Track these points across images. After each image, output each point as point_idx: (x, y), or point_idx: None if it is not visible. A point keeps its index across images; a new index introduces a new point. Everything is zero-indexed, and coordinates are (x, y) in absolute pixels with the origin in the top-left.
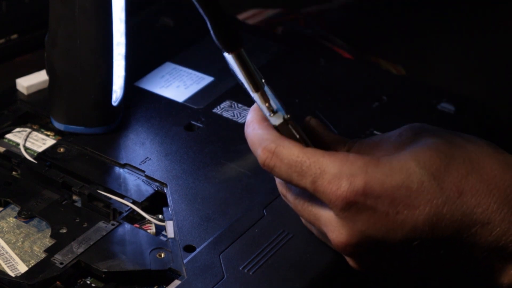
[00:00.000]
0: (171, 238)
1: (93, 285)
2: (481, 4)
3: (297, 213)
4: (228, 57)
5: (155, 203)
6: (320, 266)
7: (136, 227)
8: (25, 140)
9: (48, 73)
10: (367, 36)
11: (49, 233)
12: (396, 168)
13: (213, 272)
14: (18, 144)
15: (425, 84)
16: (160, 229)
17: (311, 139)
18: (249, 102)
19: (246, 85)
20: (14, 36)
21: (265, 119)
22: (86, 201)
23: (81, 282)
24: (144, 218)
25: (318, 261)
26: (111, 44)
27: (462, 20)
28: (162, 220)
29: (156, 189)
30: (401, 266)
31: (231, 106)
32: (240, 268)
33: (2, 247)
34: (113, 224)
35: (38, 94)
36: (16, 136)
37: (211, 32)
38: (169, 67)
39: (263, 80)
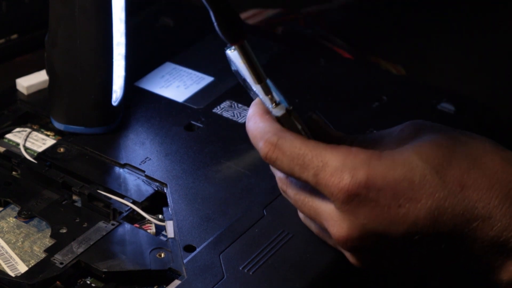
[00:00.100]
0: (171, 238)
1: (93, 285)
2: (481, 4)
3: (296, 210)
4: (230, 53)
5: (155, 203)
6: (320, 266)
7: (136, 227)
8: (25, 140)
9: (48, 73)
10: (367, 36)
11: (49, 233)
12: (398, 162)
13: (213, 272)
14: (18, 144)
15: (425, 84)
16: (160, 229)
17: (313, 134)
18: (249, 102)
19: (249, 77)
20: (14, 36)
21: (267, 113)
22: (86, 201)
23: (81, 282)
24: (144, 218)
25: (318, 261)
26: (111, 44)
27: (462, 20)
28: (162, 220)
29: (156, 189)
30: (401, 262)
31: (231, 106)
32: (240, 268)
33: (2, 247)
34: (113, 224)
35: (38, 94)
36: (16, 136)
37: (215, 23)
38: (169, 67)
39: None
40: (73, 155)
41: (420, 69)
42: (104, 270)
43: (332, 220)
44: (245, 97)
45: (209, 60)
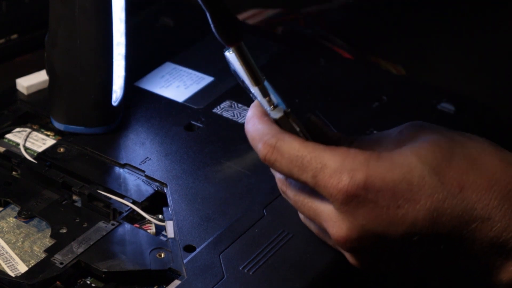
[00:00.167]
0: (171, 238)
1: (93, 285)
2: (481, 4)
3: (296, 210)
4: (229, 55)
5: (155, 203)
6: (320, 266)
7: (136, 227)
8: (25, 140)
9: (48, 73)
10: (367, 36)
11: (49, 233)
12: (397, 163)
13: (213, 272)
14: (18, 144)
15: (425, 84)
16: (160, 229)
17: (311, 136)
18: (249, 102)
19: (247, 79)
20: (14, 36)
21: (265, 115)
22: (86, 201)
23: (81, 282)
24: (144, 218)
25: (318, 261)
26: (111, 44)
27: (462, 20)
28: (162, 220)
29: (156, 189)
30: (400, 263)
31: (231, 106)
32: (240, 268)
33: (2, 247)
34: (113, 224)
35: (38, 94)
36: (16, 136)
37: (211, 25)
38: (169, 67)
39: (265, 78)
40: (73, 155)
41: (420, 69)
42: (104, 270)
43: (331, 221)
44: (245, 97)
45: (209, 60)
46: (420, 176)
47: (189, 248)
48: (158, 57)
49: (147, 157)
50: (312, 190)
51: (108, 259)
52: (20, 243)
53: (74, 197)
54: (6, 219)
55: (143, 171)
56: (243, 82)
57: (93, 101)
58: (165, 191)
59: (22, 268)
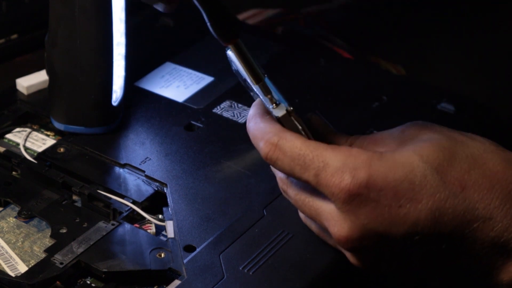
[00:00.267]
0: (171, 238)
1: (93, 285)
2: (481, 4)
3: (296, 210)
4: (230, 53)
5: (155, 203)
6: (320, 266)
7: (136, 227)
8: (25, 140)
9: (48, 73)
10: (367, 36)
11: (49, 233)
12: (399, 162)
13: (213, 272)
14: (18, 144)
15: (425, 84)
16: (160, 229)
17: (313, 135)
18: (249, 102)
19: (247, 77)
20: (14, 36)
21: (267, 113)
22: (86, 201)
23: (81, 282)
24: (144, 218)
25: (318, 261)
26: (111, 44)
27: (462, 20)
28: (162, 220)
29: (156, 189)
30: (402, 263)
31: (231, 106)
32: (240, 268)
33: (2, 247)
34: (113, 224)
35: (38, 94)
36: (16, 136)
37: (208, 23)
38: (169, 67)
39: (266, 76)
40: (73, 155)
41: (420, 69)
42: (104, 270)
43: (333, 220)
44: (245, 97)
45: (209, 60)
46: (422, 176)
47: (189, 248)
48: (158, 57)
49: (147, 157)
50: (313, 189)
51: (108, 259)
52: (20, 243)
53: (74, 197)
54: (6, 219)
55: (143, 171)
56: (245, 81)
57: (93, 101)
58: (165, 191)
59: (22, 268)
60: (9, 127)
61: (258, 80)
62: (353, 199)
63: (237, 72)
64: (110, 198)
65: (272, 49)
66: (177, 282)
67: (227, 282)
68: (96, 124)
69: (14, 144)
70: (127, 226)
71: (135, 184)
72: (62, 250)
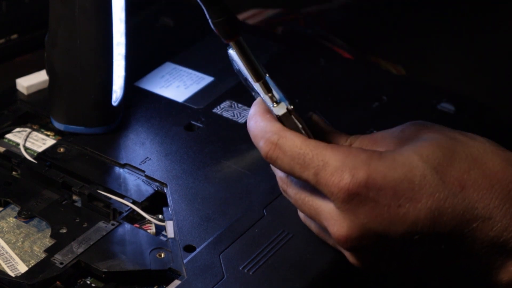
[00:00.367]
0: (171, 238)
1: (93, 285)
2: (481, 4)
3: (296, 210)
4: (231, 52)
5: (155, 203)
6: (320, 266)
7: (136, 227)
8: (25, 140)
9: (48, 73)
10: (367, 36)
11: (49, 233)
12: (398, 162)
13: (213, 272)
14: (18, 144)
15: (425, 84)
16: (160, 229)
17: (313, 134)
18: (249, 102)
19: (248, 75)
20: (14, 36)
21: (268, 112)
22: (86, 201)
23: (81, 282)
24: (144, 218)
25: (318, 261)
26: (111, 44)
27: (462, 20)
28: (162, 220)
29: (156, 189)
30: (401, 262)
31: (231, 106)
32: (240, 268)
33: (2, 247)
34: (113, 224)
35: (38, 94)
36: (16, 136)
37: (209, 20)
38: (169, 67)
39: (267, 74)
40: (73, 155)
41: (420, 69)
42: (104, 270)
43: (332, 219)
44: (245, 97)
45: (209, 60)
46: (422, 175)
47: (189, 248)
48: (158, 57)
49: (147, 157)
50: (313, 189)
51: (108, 259)
52: (20, 243)
53: (74, 197)
54: (6, 219)
55: (143, 171)
56: (246, 80)
57: (93, 101)
58: (165, 191)
59: (22, 268)
60: (9, 127)
61: (259, 78)
62: (352, 199)
63: (239, 71)
64: (110, 198)
65: (272, 49)
66: (177, 282)
67: (227, 282)
68: (96, 124)
69: (14, 144)
70: (127, 226)
71: (135, 184)
72: (62, 250)
